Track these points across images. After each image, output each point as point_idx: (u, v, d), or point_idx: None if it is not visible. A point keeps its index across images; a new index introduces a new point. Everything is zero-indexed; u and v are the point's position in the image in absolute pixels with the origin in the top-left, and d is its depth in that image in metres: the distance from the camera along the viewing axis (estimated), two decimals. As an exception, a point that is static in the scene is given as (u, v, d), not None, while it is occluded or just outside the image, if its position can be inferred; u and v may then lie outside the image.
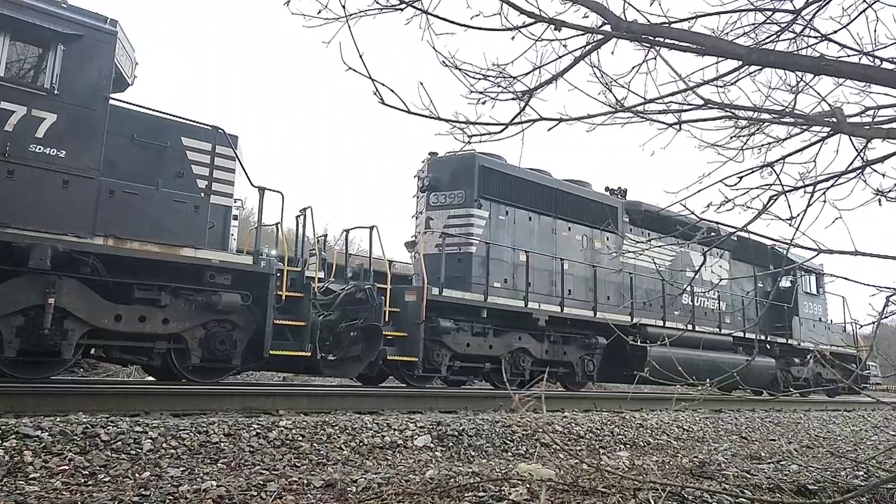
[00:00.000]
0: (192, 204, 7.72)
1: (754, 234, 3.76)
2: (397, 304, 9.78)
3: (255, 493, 3.45)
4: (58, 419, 4.46)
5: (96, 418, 4.60)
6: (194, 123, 8.14)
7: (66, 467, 3.77)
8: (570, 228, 12.76)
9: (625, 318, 12.59)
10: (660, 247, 13.55)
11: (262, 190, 8.35)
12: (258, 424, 5.00)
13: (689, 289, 13.92)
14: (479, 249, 10.97)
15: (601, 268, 12.76)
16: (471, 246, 10.94)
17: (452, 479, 3.83)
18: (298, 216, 9.67)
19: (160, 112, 7.97)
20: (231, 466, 4.27)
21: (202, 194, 7.96)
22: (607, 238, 13.39)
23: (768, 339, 15.80)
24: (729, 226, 3.93)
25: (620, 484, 3.61)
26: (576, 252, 12.69)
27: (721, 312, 15.53)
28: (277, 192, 8.68)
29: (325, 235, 11.93)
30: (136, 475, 3.82)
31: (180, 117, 8.12)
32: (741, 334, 14.88)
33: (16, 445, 3.87)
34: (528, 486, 3.50)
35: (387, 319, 9.32)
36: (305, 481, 3.77)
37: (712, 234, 14.64)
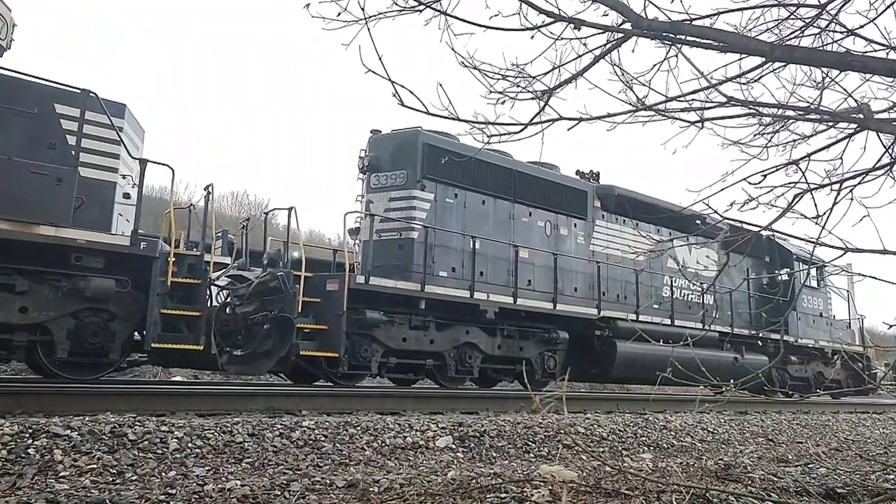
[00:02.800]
0: (53, 177, 6.63)
1: (779, 232, 3.70)
2: (318, 294, 8.85)
3: (279, 493, 3.48)
4: (86, 419, 4.54)
5: (124, 418, 4.68)
6: (66, 88, 7.09)
7: (95, 466, 3.84)
8: (530, 214, 11.58)
9: (591, 311, 11.66)
10: (639, 235, 12.67)
11: (143, 162, 7.35)
12: (281, 425, 5.05)
13: (667, 281, 13.21)
14: (423, 235, 9.91)
15: (565, 256, 11.70)
16: (412, 231, 9.87)
17: (474, 480, 3.83)
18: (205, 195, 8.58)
19: (23, 74, 6.88)
20: (255, 466, 4.31)
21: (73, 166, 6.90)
22: (575, 225, 12.26)
23: (760, 335, 14.54)
24: (736, 221, 3.86)
25: (644, 486, 3.58)
26: (537, 239, 11.51)
27: (708, 306, 14.18)
28: (165, 165, 7.59)
29: (249, 219, 10.60)
30: (163, 474, 3.88)
31: (50, 80, 7.04)
32: (728, 330, 13.55)
33: (46, 444, 3.96)
34: (550, 487, 3.49)
35: (300, 310, 8.40)
36: (328, 481, 3.79)
37: (698, 222, 14.14)
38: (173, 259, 7.44)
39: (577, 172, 13.23)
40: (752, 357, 14.13)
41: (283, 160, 65.01)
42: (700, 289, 13.75)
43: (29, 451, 3.86)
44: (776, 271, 15.76)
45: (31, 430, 4.07)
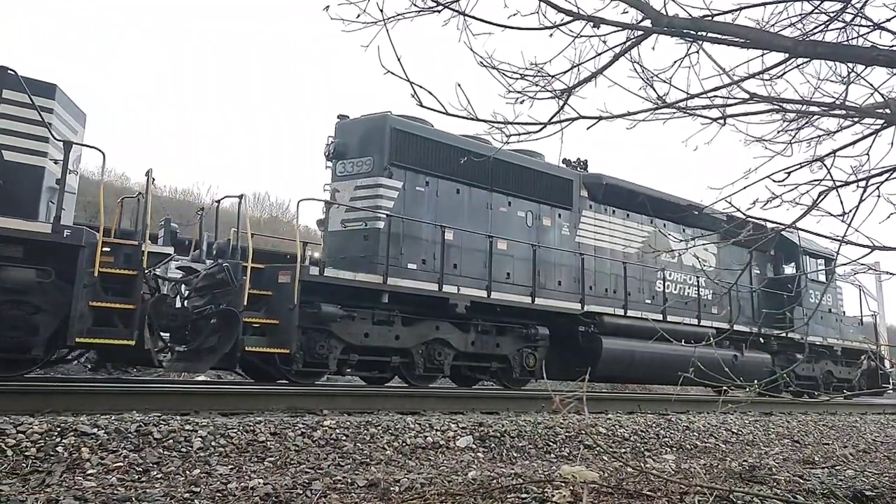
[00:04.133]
0: None
1: (804, 230, 3.64)
2: (271, 287, 8.37)
3: (301, 492, 3.51)
4: (113, 417, 4.62)
5: (149, 417, 4.75)
6: None
7: (121, 464, 3.90)
8: (510, 203, 10.88)
9: (573, 305, 11.01)
10: (629, 226, 12.36)
11: (67, 144, 6.89)
12: (303, 424, 5.09)
13: (662, 275, 12.51)
14: (389, 225, 9.31)
15: (547, 248, 11.05)
16: (378, 221, 9.23)
17: (494, 481, 3.83)
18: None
19: None
20: (277, 465, 4.35)
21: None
22: (559, 215, 11.52)
23: (762, 331, 13.43)
24: (759, 219, 3.81)
25: (666, 487, 3.55)
26: (517, 230, 10.83)
27: (706, 301, 13.44)
28: (95, 148, 7.21)
29: (204, 209, 10.09)
30: (187, 472, 3.93)
31: None
32: (727, 326, 12.78)
33: (74, 442, 4.03)
34: (571, 488, 3.47)
35: (246, 303, 7.84)
36: (349, 480, 3.82)
37: (696, 212, 13.65)
38: (105, 248, 7.00)
39: (564, 161, 12.53)
40: (754, 355, 13.28)
41: (283, 158, 65.27)
42: (699, 284, 13.18)
43: (57, 448, 3.94)
44: (781, 265, 15.09)
45: (59, 429, 4.15)
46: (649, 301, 12.42)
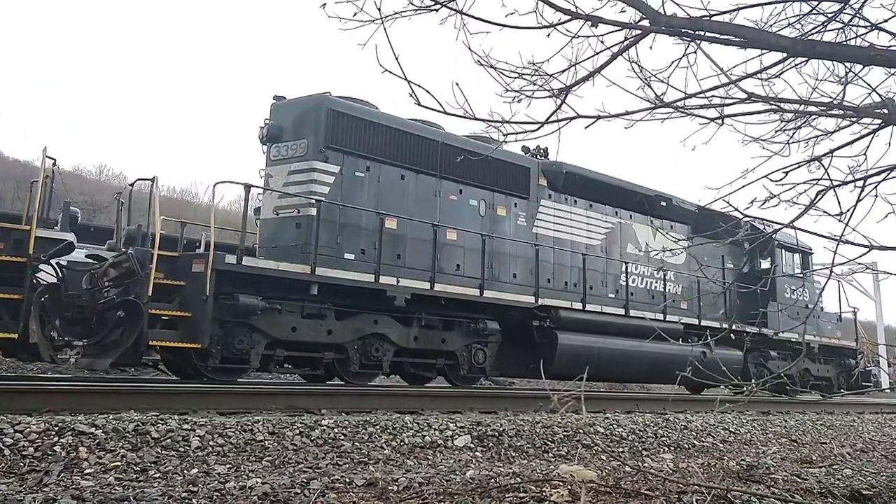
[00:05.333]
0: None
1: (801, 229, 3.65)
2: (185, 277, 7.82)
3: (299, 491, 3.51)
4: (111, 416, 4.62)
5: (147, 416, 4.75)
6: None
7: (119, 463, 3.90)
8: (460, 191, 10.33)
9: (527, 299, 10.46)
10: (592, 216, 11.94)
11: None
12: (301, 423, 5.08)
13: (625, 269, 11.96)
14: (324, 212, 8.72)
15: (501, 239, 10.56)
16: (311, 207, 8.62)
17: (493, 480, 3.83)
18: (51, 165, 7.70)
19: None
20: (275, 464, 4.35)
21: None
22: (515, 205, 10.96)
23: (733, 327, 12.89)
24: (756, 218, 3.81)
25: (664, 486, 3.56)
26: (468, 220, 10.28)
27: (674, 296, 12.99)
28: None
29: (121, 193, 9.33)
30: (185, 472, 3.93)
31: None
32: (695, 321, 12.45)
33: (72, 442, 4.03)
34: (569, 487, 3.48)
35: (151, 293, 7.35)
36: (347, 480, 3.82)
37: (663, 203, 13.22)
38: None
39: (523, 148, 11.86)
40: (724, 352, 12.43)
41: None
42: (666, 277, 12.60)
43: (55, 448, 3.94)
44: (756, 258, 14.43)
45: (57, 428, 4.15)
46: (613, 295, 11.94)
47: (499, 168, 10.75)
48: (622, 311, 11.72)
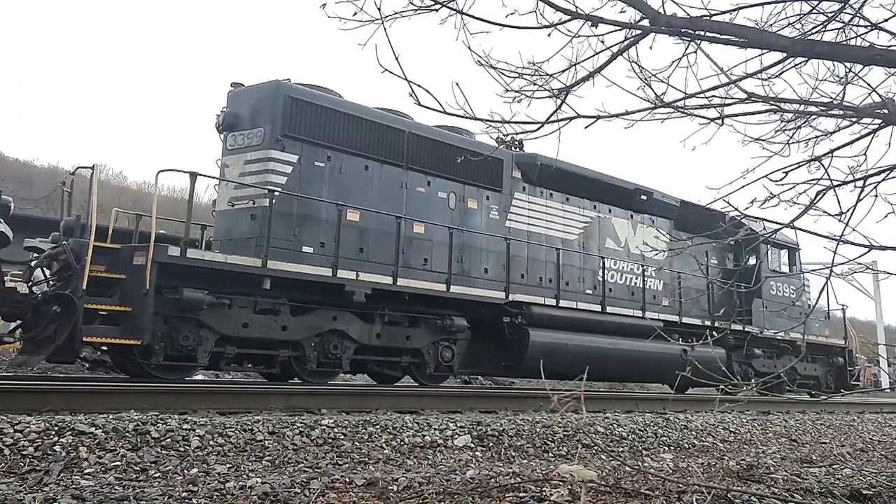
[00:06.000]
0: None
1: (801, 229, 3.65)
2: (126, 270, 7.44)
3: (299, 491, 3.51)
4: (111, 416, 4.62)
5: (147, 416, 4.75)
6: None
7: (119, 463, 3.90)
8: (429, 183, 9.97)
9: (497, 294, 10.09)
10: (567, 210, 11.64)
11: None
12: (301, 423, 5.08)
13: (603, 262, 11.65)
14: (280, 203, 8.35)
15: (472, 233, 10.25)
16: (266, 199, 8.27)
17: (493, 480, 3.83)
18: None
19: None
20: (275, 464, 4.35)
21: None
22: (487, 198, 10.65)
23: (715, 325, 12.51)
24: (756, 218, 3.81)
25: (664, 486, 3.56)
26: (437, 213, 9.93)
27: (655, 293, 12.62)
28: None
29: (65, 182, 8.82)
30: (185, 471, 3.93)
31: None
32: (675, 319, 12.11)
33: (72, 441, 4.03)
34: (569, 487, 3.48)
35: (86, 286, 6.98)
36: (347, 479, 3.82)
37: (643, 197, 12.77)
38: None
39: (497, 140, 11.87)
40: (706, 350, 11.84)
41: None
42: (645, 273, 12.23)
43: (55, 447, 3.94)
44: (742, 255, 13.91)
45: (57, 428, 4.15)
46: (590, 291, 11.63)
47: (471, 160, 10.57)
48: (598, 308, 11.40)
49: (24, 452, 3.85)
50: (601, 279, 11.77)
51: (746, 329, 12.79)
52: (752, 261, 13.49)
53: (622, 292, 12.20)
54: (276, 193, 8.29)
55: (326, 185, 9.00)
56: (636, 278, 12.49)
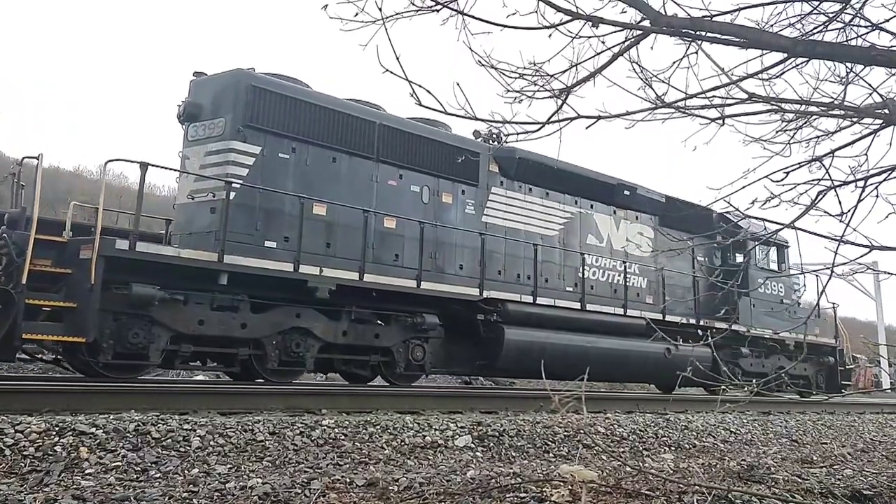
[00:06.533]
0: None
1: (802, 229, 3.65)
2: (72, 264, 7.10)
3: (300, 491, 3.51)
4: (111, 417, 4.62)
5: (147, 416, 4.75)
6: None
7: (120, 463, 3.90)
8: (401, 176, 9.65)
9: (471, 291, 9.78)
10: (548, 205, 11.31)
11: None
12: (302, 423, 5.08)
13: (585, 260, 11.35)
14: (240, 196, 8.05)
15: (446, 228, 9.95)
16: (226, 191, 7.91)
17: (493, 480, 3.83)
18: None
19: None
20: (276, 464, 4.35)
21: None
22: (462, 192, 10.34)
23: (700, 323, 12.29)
24: (758, 218, 3.81)
25: (665, 486, 3.56)
26: (409, 207, 9.61)
27: (639, 290, 12.39)
28: None
29: (14, 173, 8.40)
30: (186, 472, 3.93)
31: None
32: (658, 317, 11.65)
33: (72, 442, 4.03)
34: (569, 487, 3.48)
35: (25, 281, 6.64)
36: (348, 480, 3.82)
37: (626, 192, 12.47)
38: None
39: (474, 133, 11.00)
40: (691, 349, 11.29)
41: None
42: (628, 270, 11.84)
43: (56, 448, 3.94)
44: (729, 253, 13.40)
45: (57, 428, 4.15)
46: (571, 288, 11.32)
47: (445, 153, 10.05)
48: (577, 305, 11.10)
49: (24, 453, 3.85)
50: (581, 276, 11.47)
51: (733, 328, 12.41)
52: (740, 258, 13.03)
53: (604, 289, 11.90)
54: (236, 186, 8.00)
55: (291, 177, 8.66)
56: (619, 275, 12.19)
